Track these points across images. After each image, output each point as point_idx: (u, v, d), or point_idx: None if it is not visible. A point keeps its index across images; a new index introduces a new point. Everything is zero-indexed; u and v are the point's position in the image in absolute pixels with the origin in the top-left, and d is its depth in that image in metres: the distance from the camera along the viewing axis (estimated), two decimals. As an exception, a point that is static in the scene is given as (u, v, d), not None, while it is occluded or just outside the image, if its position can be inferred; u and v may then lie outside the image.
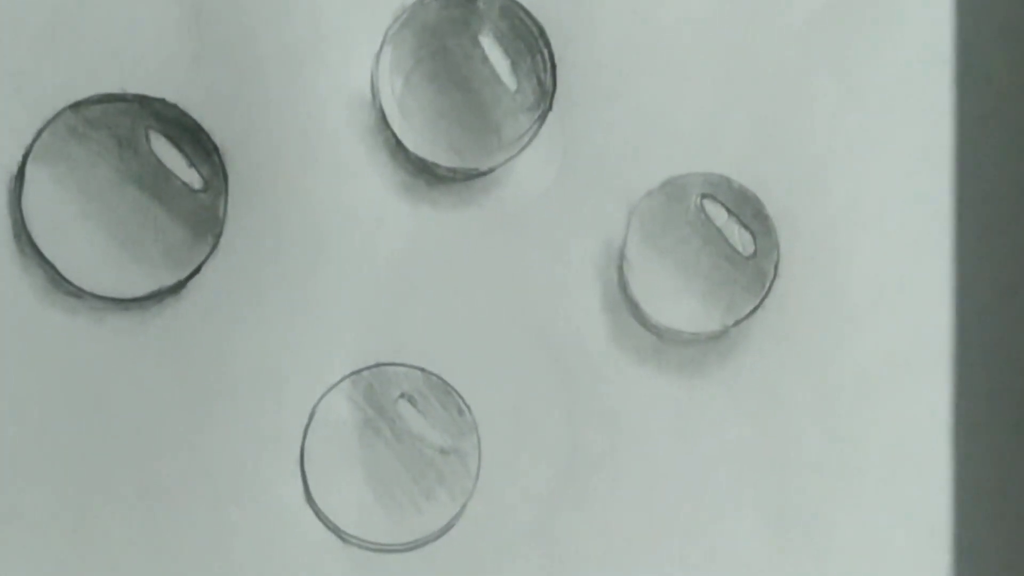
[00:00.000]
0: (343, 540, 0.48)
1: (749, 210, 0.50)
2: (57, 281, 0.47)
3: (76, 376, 0.48)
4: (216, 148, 0.48)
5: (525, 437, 0.49)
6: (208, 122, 0.48)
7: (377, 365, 0.49)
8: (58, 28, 0.48)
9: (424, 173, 0.49)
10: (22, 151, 0.47)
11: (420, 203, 0.49)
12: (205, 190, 0.48)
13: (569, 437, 0.49)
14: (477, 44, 0.49)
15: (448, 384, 0.49)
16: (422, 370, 0.49)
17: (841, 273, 0.50)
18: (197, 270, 0.48)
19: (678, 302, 0.50)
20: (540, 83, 0.49)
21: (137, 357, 0.48)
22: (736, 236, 0.50)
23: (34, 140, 0.47)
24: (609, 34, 0.50)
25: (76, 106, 0.48)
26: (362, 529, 0.48)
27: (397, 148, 0.49)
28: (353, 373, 0.49)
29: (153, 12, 0.48)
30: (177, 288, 0.48)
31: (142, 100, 0.48)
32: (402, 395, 0.49)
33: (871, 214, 0.50)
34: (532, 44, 0.49)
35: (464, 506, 0.49)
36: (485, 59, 0.49)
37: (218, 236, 0.48)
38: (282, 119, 0.48)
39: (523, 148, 0.49)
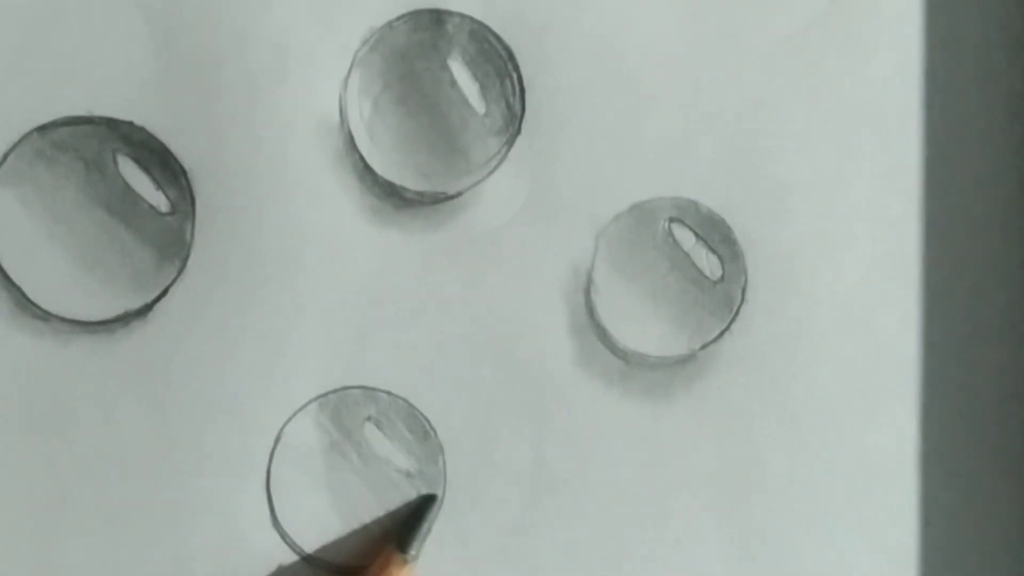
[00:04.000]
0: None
1: (717, 234, 0.50)
2: (23, 304, 0.48)
3: (41, 399, 0.48)
4: (184, 171, 0.48)
5: (491, 461, 0.49)
6: (176, 145, 0.48)
7: (344, 388, 0.49)
8: (24, 51, 0.48)
9: (392, 196, 0.49)
10: (-11, 173, 0.47)
11: (388, 226, 0.49)
12: (172, 213, 0.48)
13: (535, 461, 0.49)
14: (446, 68, 0.49)
15: (414, 407, 0.49)
16: (388, 393, 0.49)
17: (808, 298, 0.50)
18: (164, 293, 0.48)
19: (645, 326, 0.50)
20: (509, 107, 0.49)
21: (103, 380, 0.48)
22: (704, 260, 0.50)
23: (0, 163, 0.47)
24: (578, 58, 0.50)
25: (43, 129, 0.48)
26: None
27: (365, 171, 0.49)
28: (320, 396, 0.49)
29: (120, 35, 0.48)
30: (144, 311, 0.48)
31: (109, 123, 0.48)
32: (368, 418, 0.49)
33: (838, 239, 0.51)
34: (501, 68, 0.49)
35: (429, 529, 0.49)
36: (454, 83, 0.49)
37: (185, 259, 0.48)
38: (250, 142, 0.48)
39: (491, 172, 0.49)
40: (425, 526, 0.48)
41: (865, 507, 0.50)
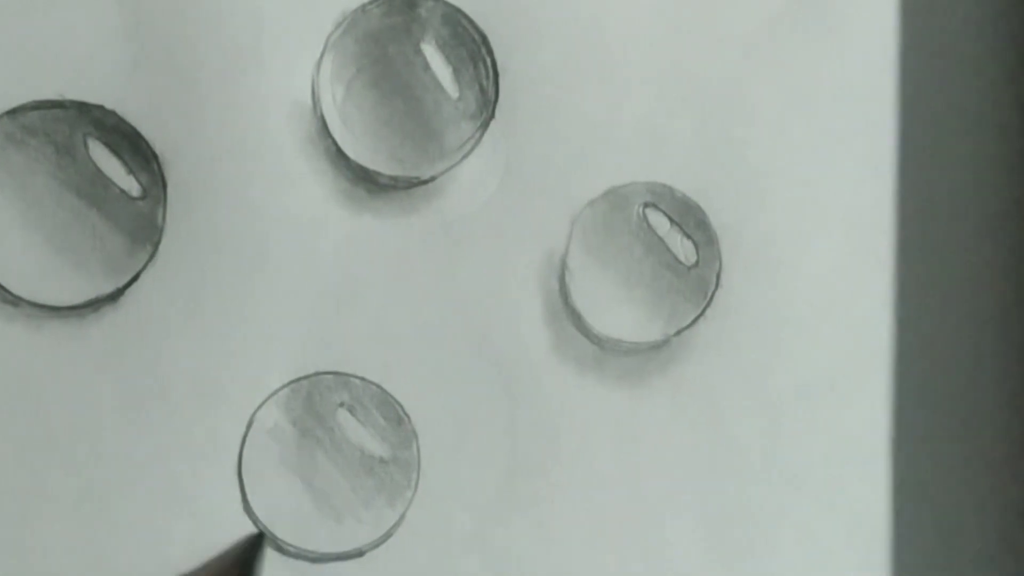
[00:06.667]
0: (281, 550, 0.48)
1: (692, 219, 0.50)
2: (-7, 289, 0.47)
3: (12, 384, 0.47)
4: (155, 155, 0.48)
5: (465, 446, 0.49)
6: (147, 129, 0.48)
7: (316, 374, 0.49)
8: (-6, 34, 0.48)
9: (365, 181, 0.49)
10: (-41, 158, 0.47)
11: (361, 211, 0.49)
12: (144, 198, 0.48)
13: (509, 446, 0.49)
14: (419, 52, 0.49)
15: (388, 393, 0.49)
16: (362, 379, 0.49)
17: (783, 283, 0.50)
18: (135, 278, 0.48)
19: (620, 312, 0.50)
20: (482, 91, 0.49)
21: (74, 365, 0.48)
22: (678, 245, 0.50)
23: (-30, 147, 0.47)
24: (552, 43, 0.50)
25: (13, 113, 0.47)
26: (301, 538, 0.48)
27: (338, 156, 0.49)
28: (292, 382, 0.48)
29: (92, 18, 0.48)
30: (115, 296, 0.48)
31: (80, 107, 0.48)
32: (342, 404, 0.49)
33: (813, 225, 0.50)
34: (475, 52, 0.49)
35: (403, 515, 0.49)
36: (427, 67, 0.49)
37: (156, 244, 0.48)
38: (222, 127, 0.48)
39: (465, 156, 0.49)
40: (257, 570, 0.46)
41: (839, 492, 0.50)
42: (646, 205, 0.50)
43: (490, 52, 0.49)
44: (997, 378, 0.51)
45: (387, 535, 0.49)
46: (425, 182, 0.49)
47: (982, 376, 0.51)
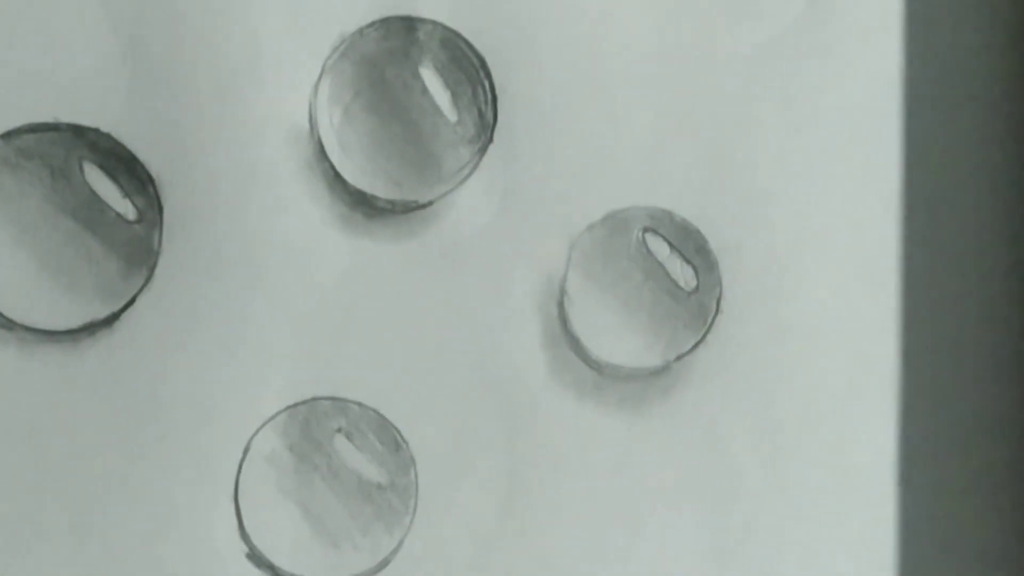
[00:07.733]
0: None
1: (691, 244, 0.50)
2: (-13, 313, 0.47)
3: (5, 409, 0.47)
4: (151, 179, 0.48)
5: (463, 472, 0.49)
6: (143, 153, 0.48)
7: (313, 399, 0.48)
8: (-10, 57, 0.47)
9: (363, 205, 0.49)
10: (-47, 181, 0.47)
11: (358, 236, 0.49)
12: (139, 221, 0.48)
13: (508, 472, 0.49)
14: (417, 75, 0.49)
15: (385, 419, 0.48)
16: (359, 404, 0.48)
17: (784, 308, 0.50)
18: (131, 302, 0.47)
19: (619, 337, 0.49)
20: (481, 115, 0.49)
21: (69, 390, 0.47)
22: (678, 270, 0.50)
23: (-35, 170, 0.47)
24: (551, 66, 0.49)
25: (8, 136, 0.47)
26: (298, 565, 0.48)
27: (335, 180, 0.48)
28: (289, 407, 0.48)
29: (88, 41, 0.48)
30: (110, 320, 0.47)
31: (76, 130, 0.47)
32: (339, 430, 0.48)
33: (815, 249, 0.50)
34: (473, 76, 0.49)
35: (401, 542, 0.48)
36: (425, 90, 0.49)
37: (152, 268, 0.48)
38: (218, 150, 0.48)
39: (463, 181, 0.49)
40: None
41: (842, 518, 0.50)
42: (646, 230, 0.49)
43: (488, 76, 0.49)
44: (1004, 400, 0.51)
45: (385, 562, 0.48)
46: (423, 206, 0.49)
47: (988, 398, 0.50)
